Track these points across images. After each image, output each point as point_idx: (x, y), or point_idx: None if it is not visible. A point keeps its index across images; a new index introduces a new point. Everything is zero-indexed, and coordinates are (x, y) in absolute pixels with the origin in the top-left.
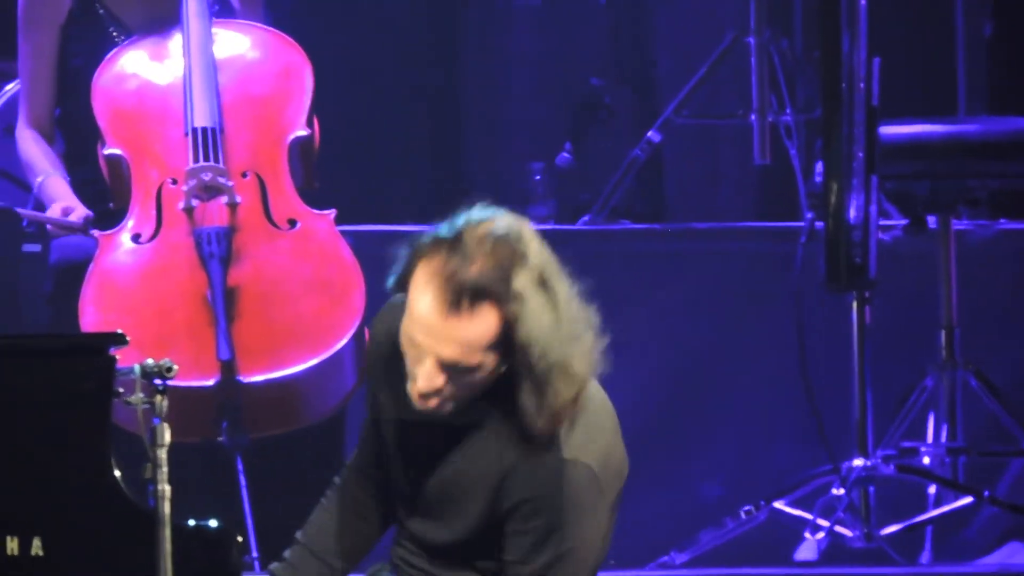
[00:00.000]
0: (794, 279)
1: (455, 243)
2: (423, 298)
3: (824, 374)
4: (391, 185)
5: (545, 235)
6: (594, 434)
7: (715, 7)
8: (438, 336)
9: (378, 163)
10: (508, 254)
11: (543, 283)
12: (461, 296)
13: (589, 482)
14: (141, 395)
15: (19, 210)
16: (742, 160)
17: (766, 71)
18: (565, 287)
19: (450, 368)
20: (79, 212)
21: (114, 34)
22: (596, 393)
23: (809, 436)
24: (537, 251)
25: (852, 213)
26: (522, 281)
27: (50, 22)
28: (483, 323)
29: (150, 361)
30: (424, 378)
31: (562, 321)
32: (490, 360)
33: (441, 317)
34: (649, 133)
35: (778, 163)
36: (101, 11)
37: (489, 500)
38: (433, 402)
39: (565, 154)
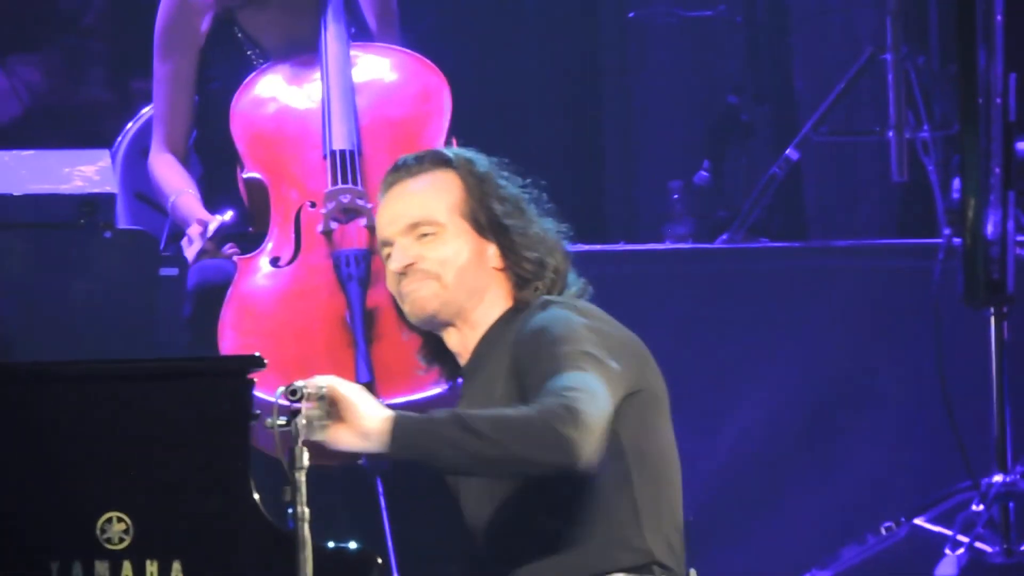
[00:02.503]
0: (932, 295)
1: None
2: (380, 200)
3: (963, 390)
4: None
5: (683, 254)
6: (581, 301)
7: (852, 24)
8: (390, 210)
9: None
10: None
11: (495, 165)
12: (400, 167)
13: (572, 314)
14: (280, 419)
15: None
16: (880, 177)
17: (903, 88)
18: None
19: (413, 230)
20: (214, 222)
21: (252, 57)
22: None
23: (949, 452)
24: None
25: (990, 229)
26: (474, 153)
27: (188, 45)
28: (429, 175)
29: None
30: (396, 258)
31: (523, 195)
32: (457, 225)
33: (388, 192)
34: (787, 151)
35: (916, 180)
36: (239, 34)
37: (510, 389)
38: (414, 283)
39: (703, 172)
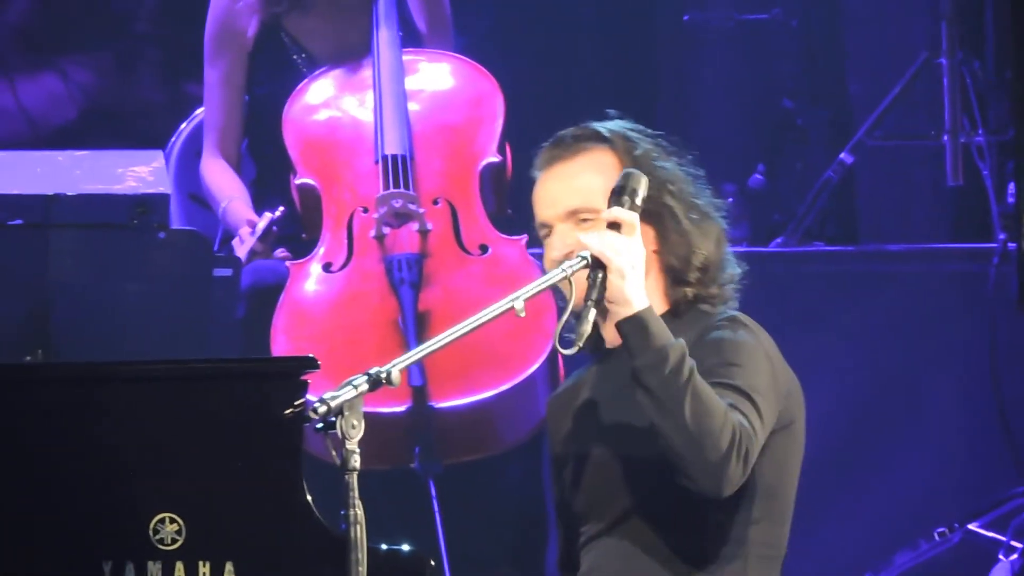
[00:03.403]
0: (987, 300)
1: None
2: (537, 177)
3: (1017, 394)
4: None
5: (738, 257)
6: (757, 326)
7: (907, 29)
8: (549, 192)
9: None
10: (623, 123)
11: (654, 144)
12: (559, 144)
13: (754, 344)
14: (330, 420)
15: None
16: (935, 181)
17: (958, 92)
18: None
19: (573, 216)
20: (263, 220)
21: (299, 62)
22: None
23: (1002, 457)
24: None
25: None
26: (638, 131)
27: (236, 50)
28: (587, 156)
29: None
30: (556, 243)
31: (687, 180)
32: None
33: (548, 173)
34: (842, 155)
35: (970, 184)
36: (286, 39)
37: None
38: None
39: (758, 176)
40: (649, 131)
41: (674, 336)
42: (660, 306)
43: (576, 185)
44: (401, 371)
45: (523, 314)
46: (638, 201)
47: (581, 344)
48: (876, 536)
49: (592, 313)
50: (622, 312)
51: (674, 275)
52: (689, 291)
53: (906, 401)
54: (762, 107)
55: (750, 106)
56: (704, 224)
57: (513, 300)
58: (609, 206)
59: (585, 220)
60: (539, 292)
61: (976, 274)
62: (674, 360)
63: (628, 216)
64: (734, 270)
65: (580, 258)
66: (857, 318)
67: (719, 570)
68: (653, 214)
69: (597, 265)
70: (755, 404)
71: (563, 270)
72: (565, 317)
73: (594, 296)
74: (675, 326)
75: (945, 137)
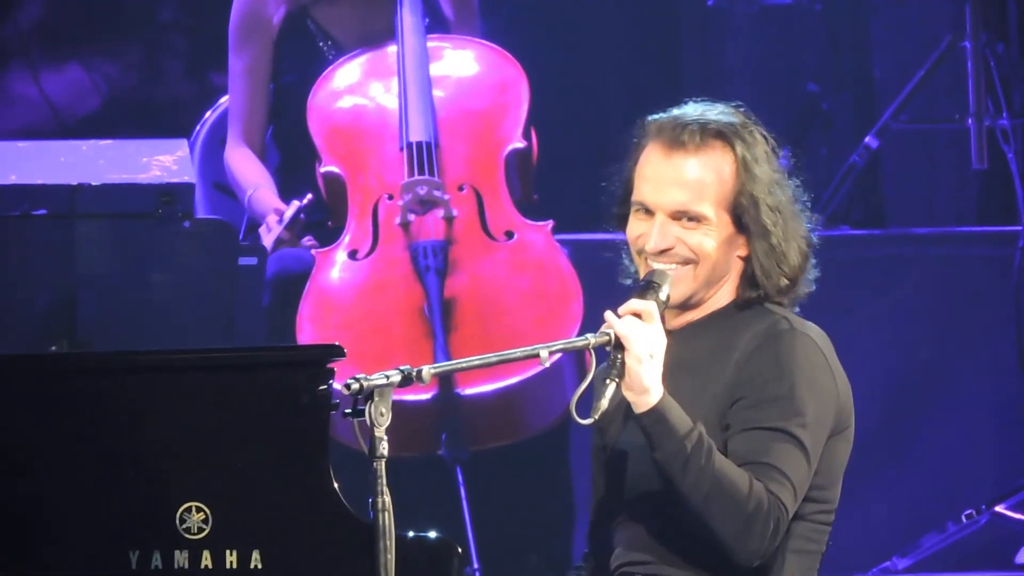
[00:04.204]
0: (1012, 283)
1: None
2: (649, 151)
3: None
4: (608, 193)
5: None
6: (817, 330)
7: (931, 12)
8: (663, 180)
9: (599, 171)
10: (735, 112)
11: (767, 144)
12: (684, 132)
13: (816, 355)
14: (359, 408)
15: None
16: (960, 165)
17: (983, 76)
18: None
19: (680, 215)
20: (291, 208)
21: (325, 50)
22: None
23: None
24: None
25: None
26: (751, 128)
27: (262, 39)
28: (708, 155)
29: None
30: (657, 235)
31: (784, 182)
32: (720, 219)
33: (665, 157)
34: (867, 139)
35: (995, 167)
36: (312, 27)
37: (712, 400)
38: (665, 260)
39: (783, 160)
40: (762, 128)
41: (729, 325)
42: (727, 298)
43: (691, 182)
44: (433, 376)
45: (547, 363)
46: (662, 296)
47: (596, 417)
48: (904, 519)
49: (610, 391)
50: (639, 401)
51: (753, 282)
52: (761, 293)
53: (933, 384)
54: (787, 92)
55: (775, 91)
56: (795, 238)
57: (540, 348)
58: (634, 297)
59: (689, 220)
60: (564, 351)
61: (1002, 257)
62: (693, 451)
63: (647, 307)
64: (811, 283)
65: (604, 334)
66: (883, 302)
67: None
68: (747, 227)
69: (618, 346)
70: (795, 455)
71: (586, 338)
72: (583, 387)
73: (614, 375)
74: (735, 320)
75: (970, 120)
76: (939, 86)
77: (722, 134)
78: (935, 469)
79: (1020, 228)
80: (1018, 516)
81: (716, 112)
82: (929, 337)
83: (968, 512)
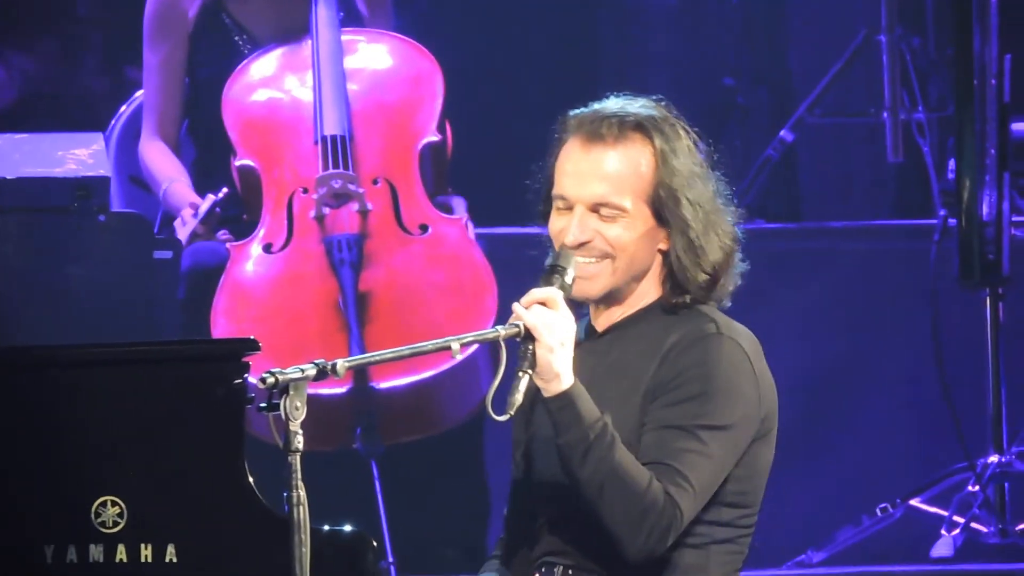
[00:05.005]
0: (928, 276)
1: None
2: (569, 146)
3: (959, 370)
4: (526, 187)
5: None
6: (745, 333)
7: (847, 6)
8: (582, 174)
9: (512, 166)
10: (656, 106)
11: (689, 138)
12: (602, 125)
13: (742, 361)
14: (274, 402)
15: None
16: (875, 158)
17: (898, 69)
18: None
19: (599, 207)
20: (206, 201)
21: (240, 44)
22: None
23: (945, 433)
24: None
25: (985, 210)
26: (672, 121)
27: (176, 33)
28: (627, 148)
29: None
30: (575, 228)
31: (708, 177)
32: (640, 212)
33: (584, 151)
34: (782, 132)
35: (911, 161)
36: (227, 20)
37: (642, 400)
38: (584, 254)
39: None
40: (684, 122)
41: (657, 327)
42: (651, 298)
43: (610, 175)
44: (348, 369)
45: (459, 356)
46: (567, 279)
47: (512, 412)
48: (819, 512)
49: (524, 383)
50: (550, 387)
51: (674, 277)
52: (687, 296)
53: (848, 378)
54: (703, 85)
55: (691, 84)
56: (717, 232)
57: (452, 341)
58: (539, 284)
59: (608, 213)
60: (475, 343)
61: (917, 251)
62: (596, 440)
63: (550, 294)
64: (737, 278)
65: (513, 325)
66: (799, 296)
67: (680, 560)
68: (667, 220)
69: (528, 337)
70: (709, 455)
71: (496, 330)
72: (496, 382)
73: (526, 367)
74: (664, 322)
75: (885, 114)
76: (855, 80)
77: (641, 127)
78: (850, 463)
79: (936, 222)
80: (933, 510)
81: (637, 106)
82: (845, 331)
83: (883, 506)
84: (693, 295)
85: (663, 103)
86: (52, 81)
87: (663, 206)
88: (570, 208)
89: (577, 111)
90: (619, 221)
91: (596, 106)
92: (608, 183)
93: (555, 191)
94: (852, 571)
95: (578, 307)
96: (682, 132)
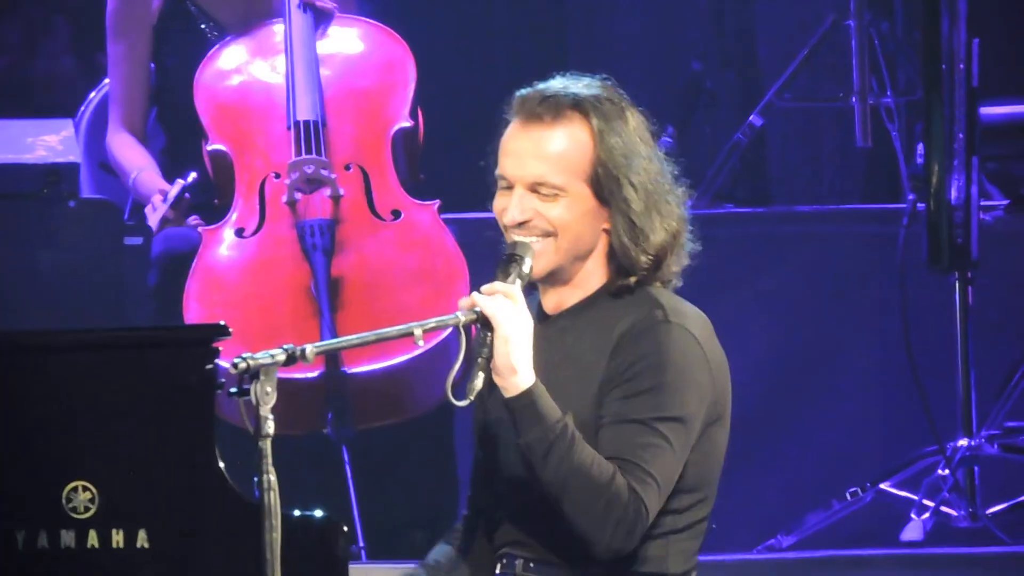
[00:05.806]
0: (897, 261)
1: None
2: (511, 128)
3: (928, 355)
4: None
5: None
6: (694, 316)
7: None
8: (521, 153)
9: (484, 150)
10: (602, 85)
11: (635, 118)
12: (541, 105)
13: (692, 347)
14: (244, 387)
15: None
16: (844, 143)
17: (867, 54)
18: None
19: (537, 187)
20: (175, 187)
21: (207, 31)
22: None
23: (914, 417)
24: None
25: (954, 194)
26: (616, 100)
27: (140, 24)
28: (565, 128)
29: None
30: (514, 207)
31: (653, 157)
32: (579, 192)
33: (523, 130)
34: (751, 117)
35: (880, 145)
36: (192, 9)
37: (597, 391)
38: (525, 233)
39: (667, 139)
40: (629, 101)
41: (607, 314)
42: (599, 280)
43: (547, 154)
44: (317, 354)
45: (421, 342)
46: (525, 269)
47: (472, 398)
48: (789, 496)
49: (483, 370)
50: (507, 384)
51: (618, 259)
52: (631, 279)
53: (818, 362)
54: (671, 69)
55: (659, 68)
56: (660, 213)
57: (415, 326)
58: (496, 272)
59: (547, 192)
60: (436, 329)
61: (886, 235)
62: (557, 440)
63: (509, 289)
64: (685, 259)
65: (473, 311)
66: (768, 280)
67: (642, 552)
68: (608, 200)
69: (486, 325)
70: (668, 446)
71: (456, 316)
72: (456, 367)
73: (485, 354)
74: (613, 306)
75: (854, 99)
76: (823, 64)
77: (579, 105)
78: (820, 447)
79: (904, 206)
80: (903, 494)
81: (580, 85)
82: (814, 315)
83: (853, 490)
84: (638, 277)
85: (609, 82)
86: (20, 67)
87: (602, 186)
88: (511, 188)
89: (522, 91)
90: (559, 200)
91: (541, 86)
92: (545, 162)
93: (498, 171)
94: (822, 555)
95: (529, 287)
96: (628, 112)
